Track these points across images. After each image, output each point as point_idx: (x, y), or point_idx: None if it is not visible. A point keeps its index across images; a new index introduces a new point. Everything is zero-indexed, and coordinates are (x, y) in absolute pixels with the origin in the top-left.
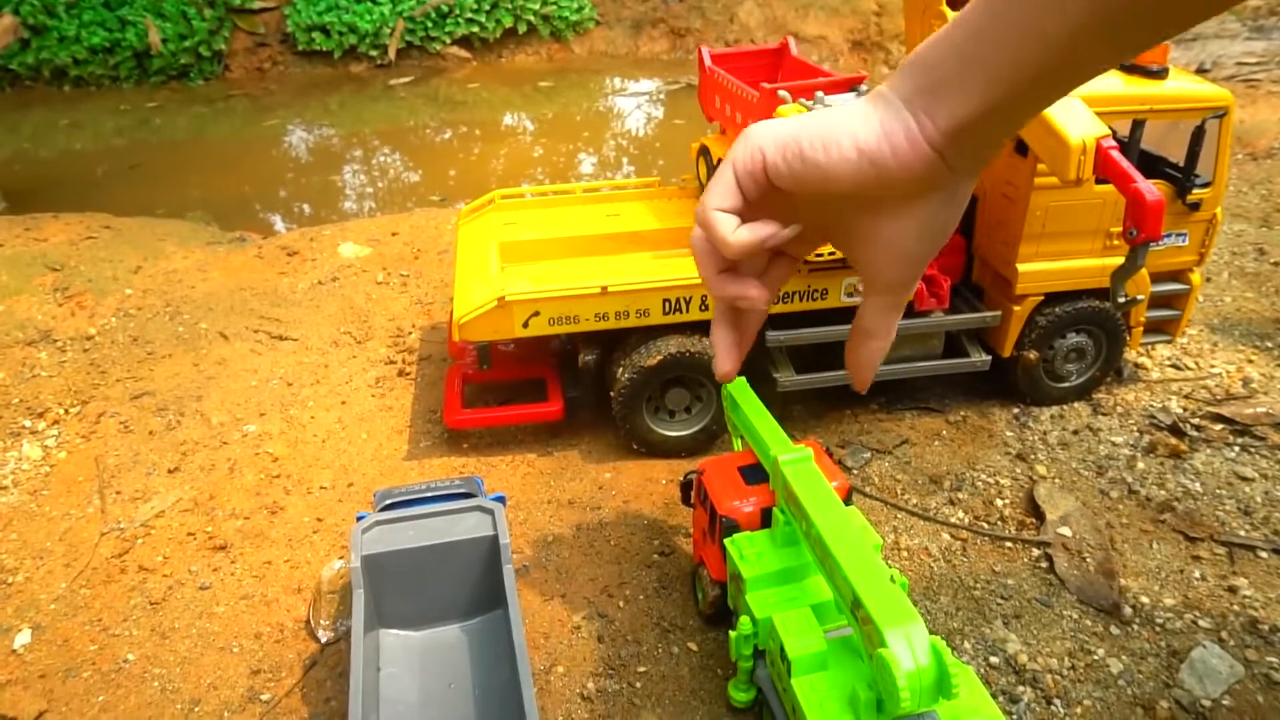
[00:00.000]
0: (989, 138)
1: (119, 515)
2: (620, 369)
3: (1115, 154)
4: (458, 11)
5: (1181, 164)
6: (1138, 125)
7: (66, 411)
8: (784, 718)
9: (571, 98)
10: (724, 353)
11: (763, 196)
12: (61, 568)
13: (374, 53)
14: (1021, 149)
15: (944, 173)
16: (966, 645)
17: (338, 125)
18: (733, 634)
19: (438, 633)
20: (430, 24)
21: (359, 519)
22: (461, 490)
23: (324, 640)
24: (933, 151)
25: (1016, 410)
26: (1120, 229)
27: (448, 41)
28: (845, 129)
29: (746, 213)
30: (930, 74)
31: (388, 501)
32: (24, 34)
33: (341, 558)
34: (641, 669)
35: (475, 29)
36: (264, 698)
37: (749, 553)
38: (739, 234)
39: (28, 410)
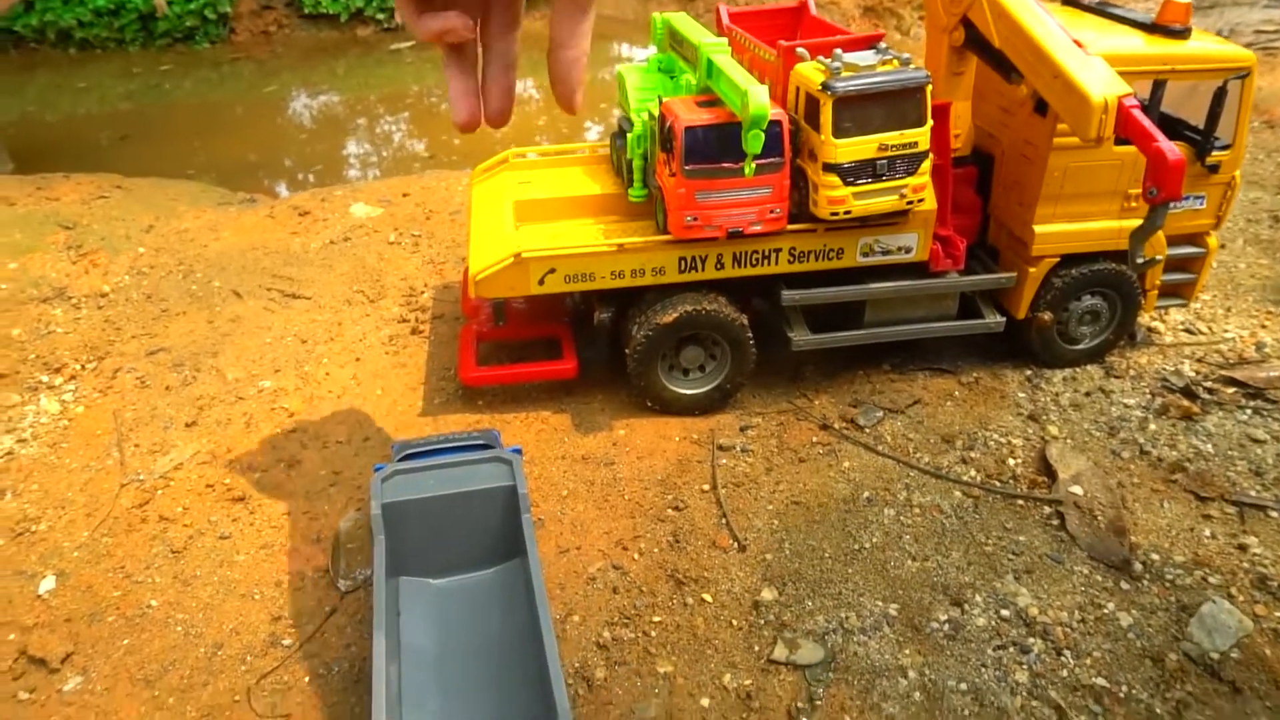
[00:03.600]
0: None
1: (138, 467)
2: (635, 326)
3: (1137, 113)
4: None
5: (1201, 127)
6: (1159, 85)
7: (83, 367)
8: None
9: None
10: (459, 99)
11: None
12: (83, 517)
13: (381, 16)
14: (1041, 108)
15: None
16: (978, 598)
17: (344, 89)
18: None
19: (456, 581)
20: None
21: (377, 470)
22: (479, 442)
23: (343, 589)
24: None
25: (1029, 372)
26: (1139, 190)
27: None
28: None
29: None
30: None
31: (406, 452)
32: None
33: (359, 509)
34: (656, 619)
35: None
36: (285, 643)
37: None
38: None
39: (45, 366)
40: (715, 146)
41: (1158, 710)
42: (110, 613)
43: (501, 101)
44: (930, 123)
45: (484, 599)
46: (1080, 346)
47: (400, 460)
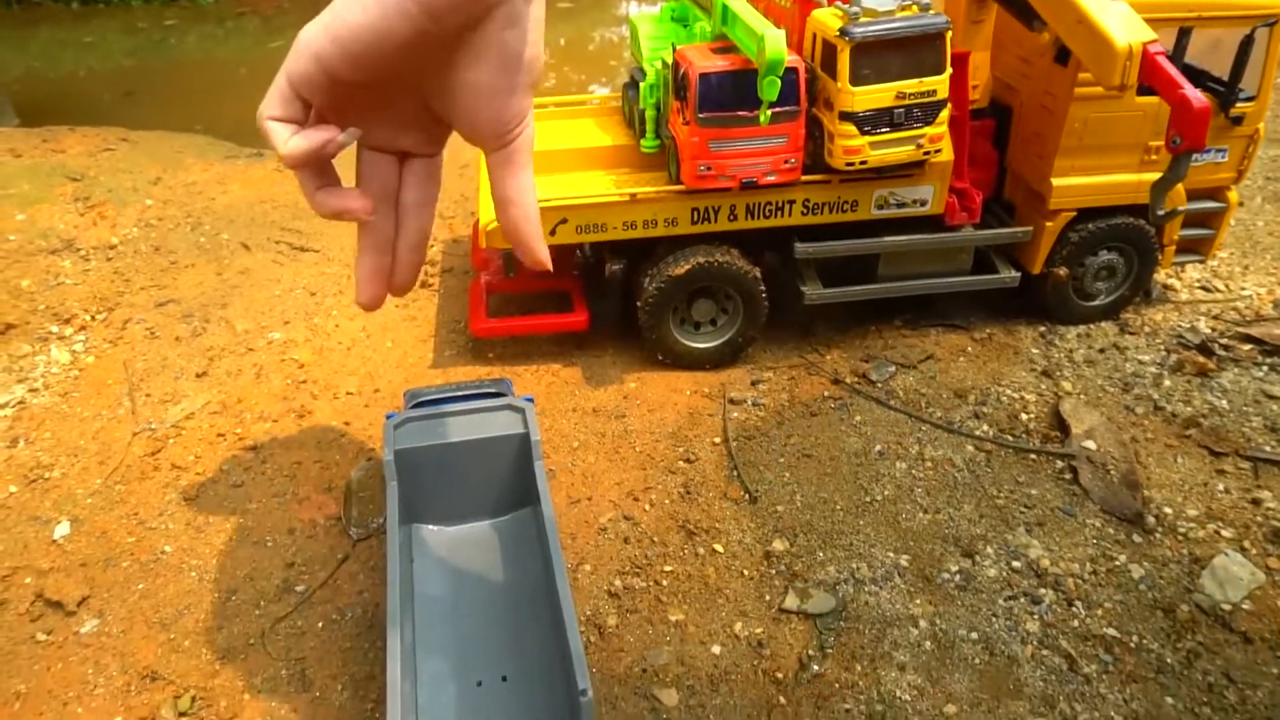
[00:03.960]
0: None
1: (149, 416)
2: (647, 279)
3: (1162, 59)
4: None
5: (1225, 78)
6: (1184, 33)
7: (93, 318)
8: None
9: (590, 20)
10: (365, 280)
11: (333, 100)
12: (96, 465)
13: None
14: (1061, 58)
15: None
16: (989, 550)
17: None
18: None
19: (468, 529)
20: None
21: (389, 417)
22: (492, 390)
23: (355, 537)
24: None
25: (1043, 328)
26: (1160, 142)
27: None
28: None
29: (322, 118)
30: None
31: (418, 400)
32: None
33: (370, 459)
34: (668, 568)
35: None
36: (298, 589)
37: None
38: (291, 144)
39: (54, 316)
40: (730, 94)
41: (1168, 660)
42: (125, 558)
43: (405, 279)
44: (949, 70)
45: (496, 547)
46: (1095, 303)
47: (412, 408)
